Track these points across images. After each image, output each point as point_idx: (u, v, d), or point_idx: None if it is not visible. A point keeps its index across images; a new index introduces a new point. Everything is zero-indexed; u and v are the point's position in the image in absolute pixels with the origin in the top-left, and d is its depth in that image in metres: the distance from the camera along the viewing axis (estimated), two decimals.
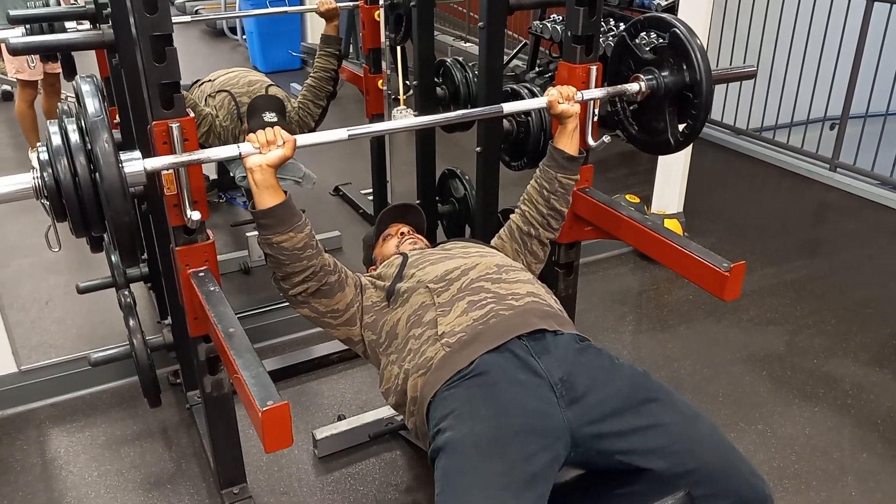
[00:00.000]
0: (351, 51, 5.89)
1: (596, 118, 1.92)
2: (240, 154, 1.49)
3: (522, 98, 2.30)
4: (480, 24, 2.24)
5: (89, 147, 1.31)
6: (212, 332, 1.54)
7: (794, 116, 4.42)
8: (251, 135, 1.50)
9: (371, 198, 3.62)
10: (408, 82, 2.75)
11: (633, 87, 1.81)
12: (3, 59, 5.05)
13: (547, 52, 5.55)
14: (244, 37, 7.01)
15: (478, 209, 2.52)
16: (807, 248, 3.57)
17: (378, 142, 3.32)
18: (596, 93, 1.83)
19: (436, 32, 2.97)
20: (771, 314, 2.96)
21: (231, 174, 3.22)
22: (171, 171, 1.52)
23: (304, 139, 1.56)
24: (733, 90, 4.56)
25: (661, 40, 1.80)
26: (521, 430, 1.36)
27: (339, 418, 2.28)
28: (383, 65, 3.10)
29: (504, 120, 2.35)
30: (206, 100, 3.09)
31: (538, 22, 5.09)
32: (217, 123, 3.00)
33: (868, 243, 3.59)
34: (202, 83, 3.24)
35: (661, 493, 1.41)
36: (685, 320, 2.93)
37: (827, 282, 3.20)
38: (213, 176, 3.86)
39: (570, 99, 1.76)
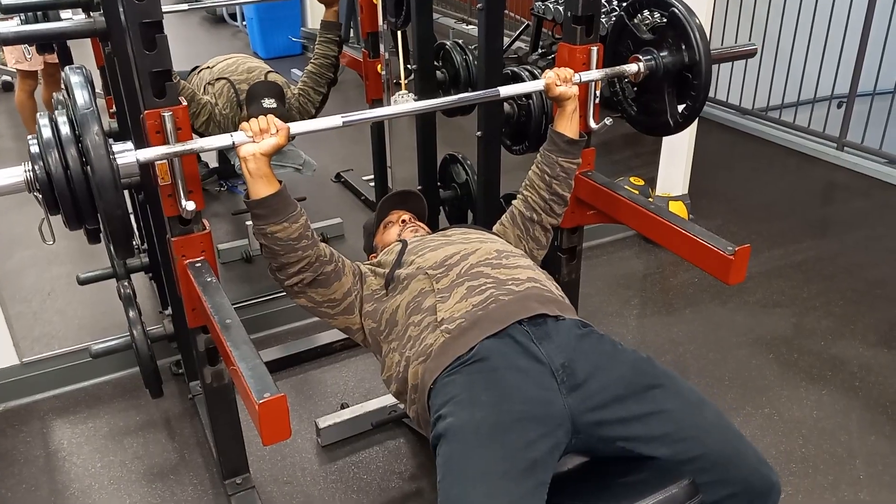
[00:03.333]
0: (351, 35, 5.83)
1: (597, 100, 1.89)
2: (233, 143, 1.47)
3: (523, 80, 2.26)
4: (479, 5, 2.20)
5: (80, 139, 1.28)
6: (209, 323, 1.52)
7: (801, 95, 4.36)
8: (244, 123, 1.48)
9: (372, 184, 3.59)
10: (408, 66, 2.72)
11: (631, 67, 1.78)
12: (2, 50, 5.02)
13: (549, 33, 5.48)
14: (244, 23, 6.96)
15: (479, 194, 2.49)
16: (814, 228, 3.53)
17: (378, 128, 3.28)
18: (593, 74, 1.80)
19: (435, 15, 2.94)
20: (778, 296, 2.93)
21: (231, 162, 3.20)
22: (164, 161, 1.50)
23: (297, 127, 1.53)
24: (738, 69, 4.49)
25: (659, 19, 1.77)
26: (521, 417, 1.35)
27: (342, 407, 2.27)
28: (382, 49, 3.06)
29: (505, 103, 2.31)
30: (205, 87, 3.06)
31: (540, 3, 5.03)
32: (217, 112, 2.98)
33: (876, 223, 3.54)
34: (201, 70, 3.21)
35: (666, 482, 1.39)
36: (691, 303, 2.91)
37: (835, 263, 3.17)
38: (214, 164, 3.84)
39: (567, 81, 1.72)
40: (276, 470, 2.13)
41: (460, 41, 2.61)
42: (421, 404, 1.52)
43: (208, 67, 3.17)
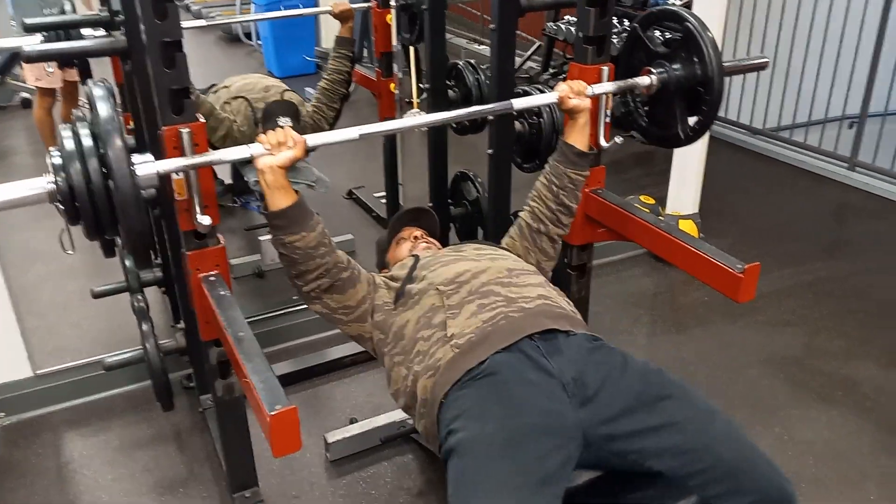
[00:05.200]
0: (364, 54, 5.90)
1: (608, 119, 1.91)
2: (251, 155, 1.49)
3: None
4: (492, 25, 2.23)
5: (102, 151, 1.31)
6: (222, 336, 1.54)
7: (812, 115, 4.36)
8: (262, 136, 1.51)
9: (384, 201, 3.62)
10: (421, 85, 2.75)
11: (643, 80, 1.80)
12: (22, 67, 5.11)
13: (561, 53, 5.53)
14: (259, 42, 7.05)
15: (490, 211, 2.51)
16: (825, 249, 3.52)
17: (390, 145, 3.32)
18: (606, 87, 1.82)
19: (448, 35, 2.97)
20: (788, 316, 2.92)
21: (245, 178, 3.23)
22: (181, 175, 1.53)
23: (314, 139, 1.57)
24: (749, 89, 4.51)
25: (672, 34, 1.79)
26: (533, 430, 1.35)
27: (352, 421, 2.28)
28: (395, 68, 3.10)
29: (516, 122, 2.34)
30: (222, 106, 3.11)
31: (552, 23, 5.07)
32: (235, 129, 3.02)
33: (889, 244, 3.52)
34: (218, 89, 3.25)
35: (675, 499, 1.39)
36: (701, 322, 2.90)
37: (846, 283, 3.16)
38: (228, 180, 3.88)
39: (580, 94, 1.75)
40: (284, 484, 2.14)
41: (472, 61, 2.64)
42: (430, 419, 1.52)
43: (225, 87, 3.21)
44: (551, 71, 5.26)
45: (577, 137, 1.79)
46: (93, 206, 1.32)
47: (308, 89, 5.51)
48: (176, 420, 2.40)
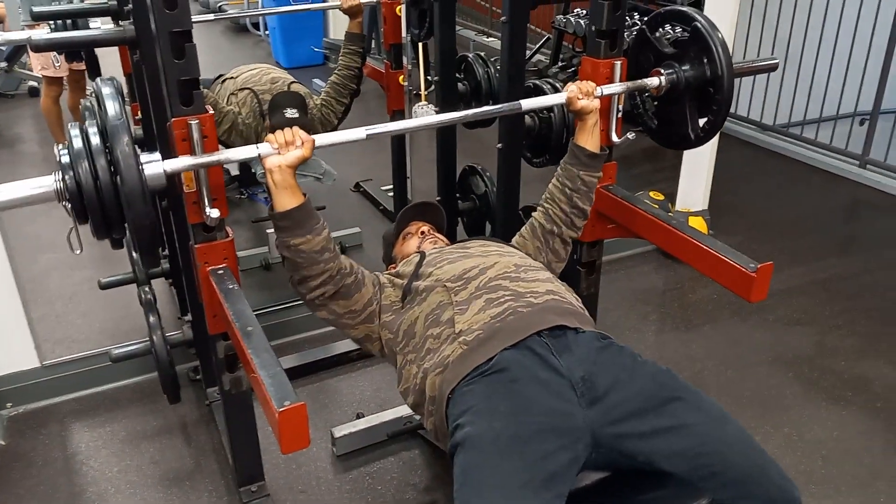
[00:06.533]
0: (373, 46, 5.87)
1: (620, 114, 1.89)
2: (259, 155, 1.48)
3: (544, 93, 2.26)
4: (503, 18, 2.20)
5: (109, 150, 1.30)
6: (230, 329, 1.53)
7: (823, 111, 4.32)
8: (269, 135, 1.50)
9: (391, 194, 3.61)
10: (429, 78, 2.73)
11: (652, 81, 1.78)
12: (29, 56, 5.11)
13: (570, 46, 5.49)
14: (267, 32, 7.03)
15: (498, 206, 2.49)
16: (837, 246, 3.49)
17: (399, 138, 3.30)
18: (615, 88, 1.80)
19: (458, 27, 2.94)
20: (799, 314, 2.89)
21: (252, 170, 3.22)
22: (190, 170, 1.51)
23: (322, 139, 1.55)
24: (760, 85, 4.47)
25: (681, 34, 1.77)
26: (540, 429, 1.34)
27: (358, 416, 2.27)
28: (404, 60, 3.08)
29: (526, 116, 2.32)
30: (228, 98, 3.10)
31: (561, 16, 5.03)
32: (240, 121, 3.01)
33: None
34: (224, 80, 3.24)
35: (685, 499, 1.38)
36: (710, 320, 2.88)
37: (858, 281, 3.13)
38: (235, 172, 3.87)
39: (589, 94, 1.73)
40: (291, 478, 2.13)
41: (482, 53, 2.62)
42: (439, 416, 1.51)
43: (232, 78, 3.21)
44: (560, 64, 5.22)
45: (588, 139, 1.77)
46: (101, 204, 1.32)
47: (316, 80, 5.50)
48: (182, 412, 2.39)
